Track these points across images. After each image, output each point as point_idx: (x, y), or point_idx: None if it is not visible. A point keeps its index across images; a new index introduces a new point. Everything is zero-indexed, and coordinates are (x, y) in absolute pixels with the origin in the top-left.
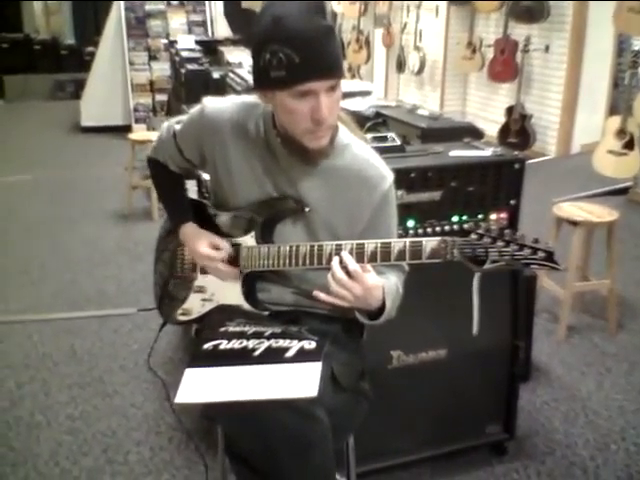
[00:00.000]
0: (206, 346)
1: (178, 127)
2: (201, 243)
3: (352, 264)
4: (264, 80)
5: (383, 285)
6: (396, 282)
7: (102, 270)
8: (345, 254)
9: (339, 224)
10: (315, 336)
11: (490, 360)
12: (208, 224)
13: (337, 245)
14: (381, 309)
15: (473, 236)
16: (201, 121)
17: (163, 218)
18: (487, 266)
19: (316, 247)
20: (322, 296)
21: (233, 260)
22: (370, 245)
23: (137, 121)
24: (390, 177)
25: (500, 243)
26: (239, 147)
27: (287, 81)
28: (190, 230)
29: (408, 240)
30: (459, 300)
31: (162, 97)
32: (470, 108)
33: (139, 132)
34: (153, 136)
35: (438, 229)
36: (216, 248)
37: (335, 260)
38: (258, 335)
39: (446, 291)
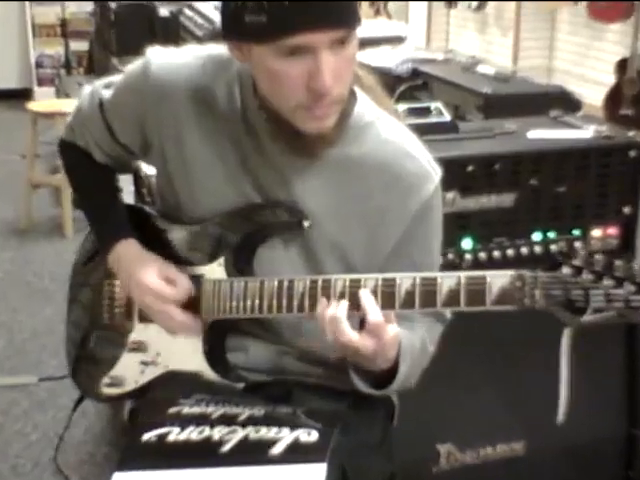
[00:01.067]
0: (147, 436)
1: (107, 94)
2: (146, 271)
3: (374, 314)
4: (236, 27)
5: (401, 339)
6: (423, 336)
7: None
8: (366, 295)
9: (354, 246)
10: (317, 422)
11: (592, 458)
12: (152, 245)
13: (353, 281)
14: (391, 372)
15: (565, 270)
16: (144, 85)
17: (82, 234)
18: (588, 317)
19: (320, 282)
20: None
21: (191, 303)
22: (405, 282)
23: (41, 83)
24: (436, 174)
25: (608, 282)
26: (202, 126)
27: (269, 31)
28: (130, 250)
29: (463, 274)
30: (542, 368)
31: (80, 45)
32: (560, 62)
33: (44, 100)
34: (66, 106)
35: (510, 253)
36: (168, 281)
37: (342, 306)
38: (228, 420)
39: (521, 353)
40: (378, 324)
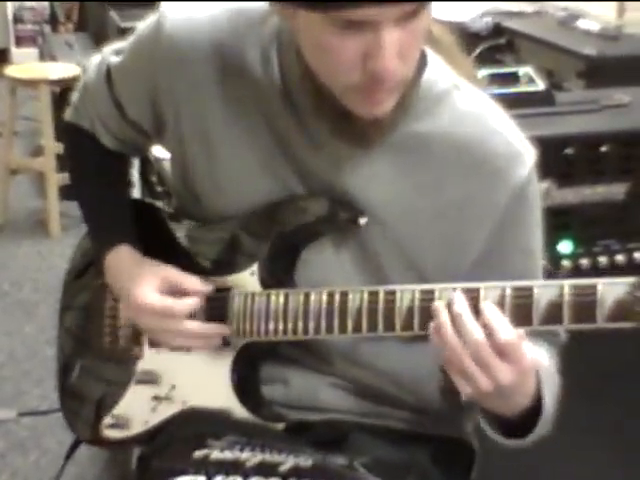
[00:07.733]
0: None
1: (115, 61)
2: (142, 287)
3: (506, 330)
4: None
5: (538, 364)
6: (550, 363)
7: None
8: (490, 308)
9: (426, 250)
10: (380, 476)
11: None
12: (165, 249)
13: (424, 292)
14: (532, 412)
15: None
16: (155, 48)
17: (71, 233)
18: None
19: (382, 295)
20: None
21: (215, 317)
22: (492, 293)
23: (20, 42)
24: (529, 154)
25: None
26: (229, 99)
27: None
28: (122, 261)
29: (567, 283)
30: None
31: None
32: None
33: (24, 64)
34: (52, 71)
35: (620, 259)
36: (179, 292)
37: (461, 306)
38: (267, 470)
39: None
40: (513, 344)
